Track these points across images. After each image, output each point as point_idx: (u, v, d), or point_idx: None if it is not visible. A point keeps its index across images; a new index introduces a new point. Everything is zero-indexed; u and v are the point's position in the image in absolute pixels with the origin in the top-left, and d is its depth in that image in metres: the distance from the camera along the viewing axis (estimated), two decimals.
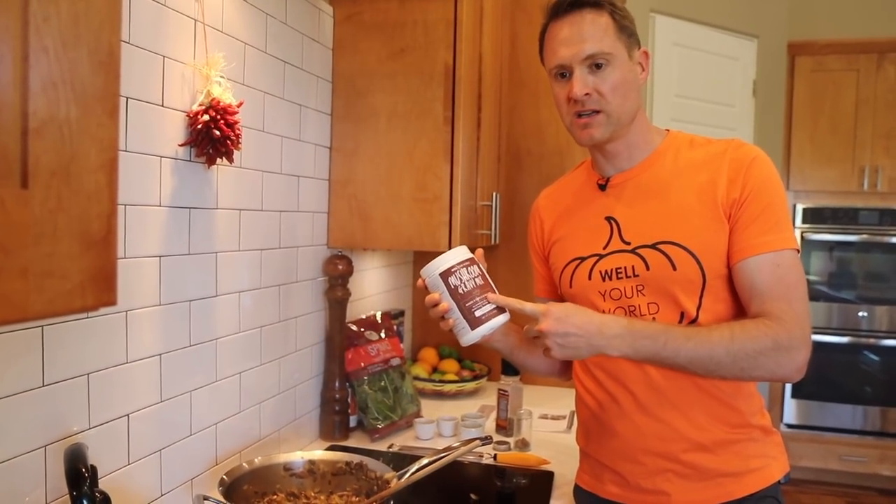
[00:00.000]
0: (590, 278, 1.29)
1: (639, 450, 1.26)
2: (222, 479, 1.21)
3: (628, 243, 1.26)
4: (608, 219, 1.30)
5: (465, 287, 1.14)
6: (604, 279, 1.27)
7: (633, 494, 1.28)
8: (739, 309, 1.21)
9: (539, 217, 1.45)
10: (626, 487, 1.29)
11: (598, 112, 1.23)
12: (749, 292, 1.17)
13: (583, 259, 1.31)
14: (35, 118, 0.49)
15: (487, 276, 1.20)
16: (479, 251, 1.25)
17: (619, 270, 1.26)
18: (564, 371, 1.46)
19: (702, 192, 1.22)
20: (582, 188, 1.38)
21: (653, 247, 1.23)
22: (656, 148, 1.30)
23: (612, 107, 1.22)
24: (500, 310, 1.14)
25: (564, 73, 1.24)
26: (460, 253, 1.18)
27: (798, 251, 1.18)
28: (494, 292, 1.16)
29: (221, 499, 1.15)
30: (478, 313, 1.13)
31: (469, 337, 1.14)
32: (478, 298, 1.14)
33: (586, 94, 1.21)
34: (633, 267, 1.25)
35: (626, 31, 1.24)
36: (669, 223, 1.23)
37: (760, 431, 1.26)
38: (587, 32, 1.22)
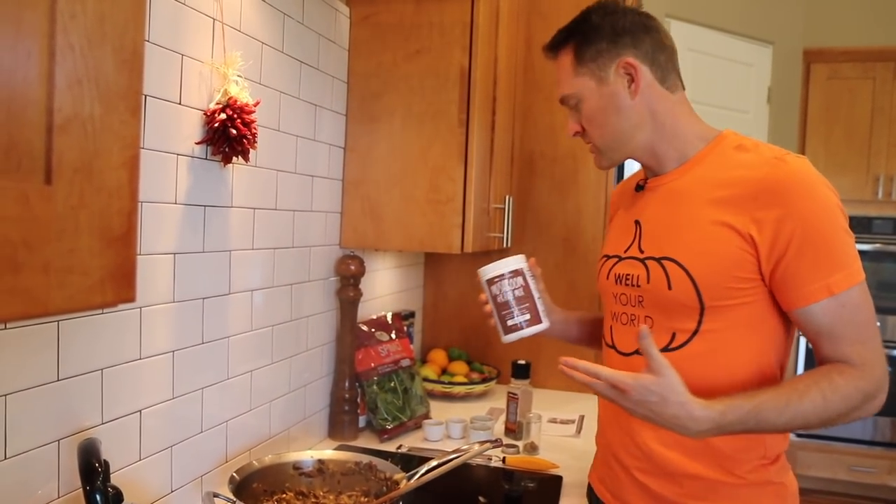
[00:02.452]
0: (607, 278, 1.30)
1: (616, 453, 1.28)
2: (232, 476, 1.22)
3: (642, 251, 1.23)
4: (636, 222, 1.28)
5: (504, 297, 1.27)
6: (616, 282, 1.27)
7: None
8: (747, 333, 1.14)
9: (612, 209, 1.47)
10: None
11: (591, 143, 1.28)
12: (816, 337, 1.10)
13: (608, 258, 1.32)
14: (60, 115, 0.50)
15: (532, 287, 1.28)
16: (532, 261, 1.33)
17: (627, 277, 1.25)
18: (593, 341, 1.48)
19: (720, 211, 1.12)
20: (632, 186, 1.36)
21: (658, 260, 1.19)
22: (695, 154, 1.21)
23: (595, 140, 1.25)
24: (534, 321, 1.24)
25: None
26: (510, 263, 1.29)
27: (864, 280, 1.08)
28: (535, 303, 1.26)
29: (231, 496, 1.15)
30: (510, 322, 1.26)
31: (503, 339, 1.28)
32: (514, 309, 1.26)
33: (576, 132, 1.28)
34: (637, 277, 1.22)
35: (589, 56, 1.21)
36: (677, 238, 1.17)
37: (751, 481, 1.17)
38: (558, 76, 1.28)
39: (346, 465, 1.36)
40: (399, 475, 1.29)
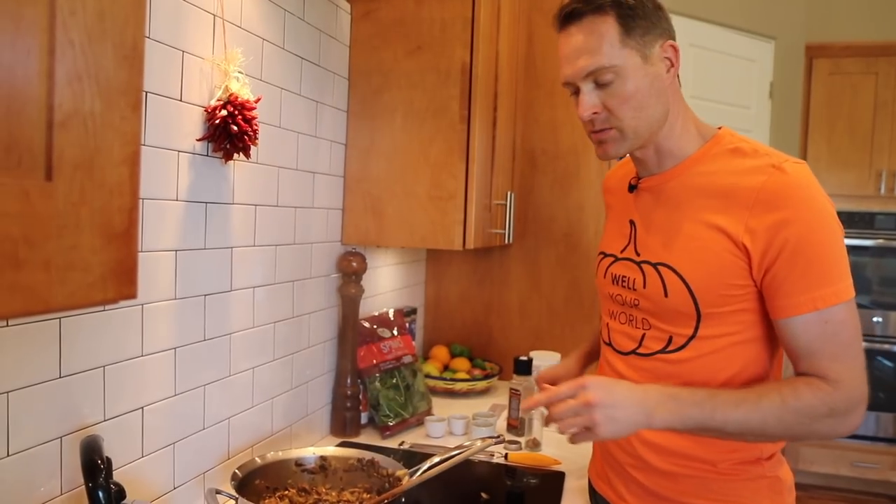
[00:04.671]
0: (605, 277, 1.29)
1: (611, 450, 1.30)
2: (235, 473, 1.22)
3: (638, 254, 1.22)
4: (631, 222, 1.26)
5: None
6: (613, 283, 1.27)
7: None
8: (745, 338, 1.13)
9: (606, 201, 1.43)
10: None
11: (610, 128, 1.15)
12: (796, 351, 1.07)
13: (605, 255, 1.32)
14: (60, 111, 0.50)
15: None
16: (540, 373, 1.48)
17: (624, 279, 1.24)
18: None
19: (716, 218, 1.10)
20: (626, 179, 1.32)
21: (654, 265, 1.18)
22: (692, 153, 1.17)
23: (626, 122, 1.13)
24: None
25: (575, 90, 1.16)
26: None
27: (853, 298, 1.04)
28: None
29: (233, 493, 1.15)
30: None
31: None
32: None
33: (594, 112, 1.14)
34: (633, 280, 1.21)
35: (639, 30, 1.10)
36: (673, 244, 1.15)
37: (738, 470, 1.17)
38: (588, 45, 1.12)
39: (348, 461, 1.36)
40: (401, 472, 1.29)
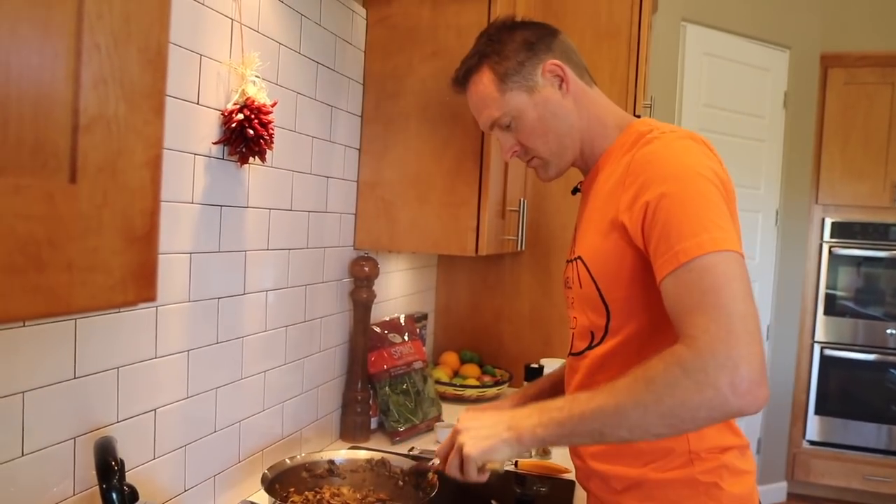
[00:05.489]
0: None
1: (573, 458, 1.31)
2: (265, 475, 1.26)
3: (573, 253, 1.25)
4: (577, 224, 1.30)
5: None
6: (564, 286, 1.30)
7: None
8: (656, 328, 1.06)
9: None
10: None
11: (533, 158, 1.26)
12: (671, 320, 0.95)
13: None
14: (85, 114, 0.50)
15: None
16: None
17: (567, 280, 1.27)
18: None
19: (606, 203, 1.11)
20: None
21: (575, 261, 1.21)
22: (607, 149, 1.21)
23: (540, 151, 1.24)
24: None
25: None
26: None
27: (729, 251, 0.91)
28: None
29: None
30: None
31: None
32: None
33: (514, 151, 1.26)
34: (569, 278, 1.25)
35: (512, 70, 1.20)
36: (585, 237, 1.19)
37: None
38: (478, 103, 1.26)
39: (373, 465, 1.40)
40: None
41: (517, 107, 1.21)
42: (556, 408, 1.00)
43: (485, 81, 1.23)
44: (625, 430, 0.93)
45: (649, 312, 1.06)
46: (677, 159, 1.01)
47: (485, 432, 1.04)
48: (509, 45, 1.21)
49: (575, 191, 1.33)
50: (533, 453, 1.84)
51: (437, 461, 1.20)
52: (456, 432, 1.07)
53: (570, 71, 1.21)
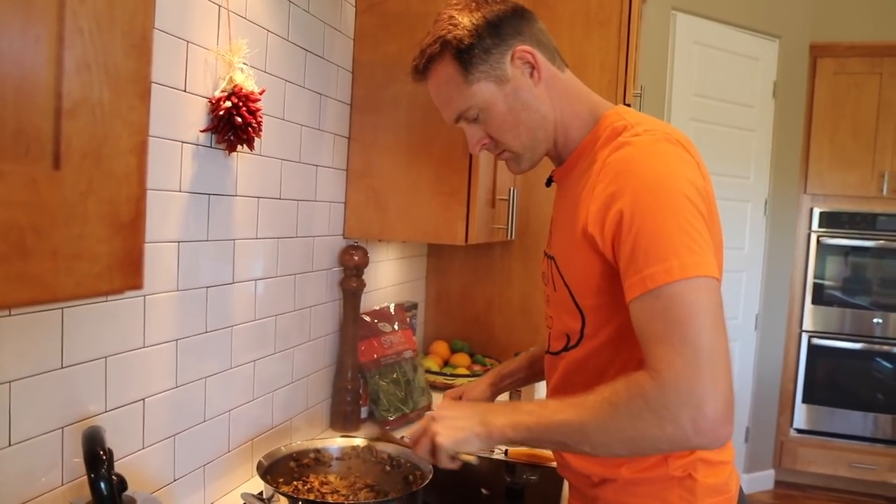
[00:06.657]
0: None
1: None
2: (260, 462, 1.28)
3: (549, 248, 1.22)
4: (552, 217, 1.26)
5: None
6: (542, 280, 1.27)
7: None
8: (630, 335, 0.98)
9: None
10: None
11: (503, 151, 1.17)
12: (639, 342, 0.93)
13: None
14: (68, 99, 0.49)
15: None
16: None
17: (543, 275, 1.25)
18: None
19: (577, 208, 1.05)
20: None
21: (550, 259, 1.18)
22: (581, 142, 1.13)
23: (510, 143, 1.14)
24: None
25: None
26: None
27: (700, 277, 0.88)
28: None
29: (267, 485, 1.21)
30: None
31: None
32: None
33: (483, 144, 1.16)
34: (545, 274, 1.22)
35: (478, 59, 1.08)
36: (560, 237, 1.15)
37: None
38: (441, 95, 1.15)
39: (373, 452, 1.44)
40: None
41: (485, 99, 1.10)
42: (526, 412, 1.00)
43: (448, 70, 1.11)
44: (587, 447, 0.95)
45: (626, 319, 1.00)
46: (652, 169, 0.96)
47: (459, 423, 1.04)
48: (475, 29, 1.09)
49: (549, 182, 1.26)
50: None
51: (407, 439, 1.23)
52: (431, 419, 1.07)
53: (540, 56, 1.11)
